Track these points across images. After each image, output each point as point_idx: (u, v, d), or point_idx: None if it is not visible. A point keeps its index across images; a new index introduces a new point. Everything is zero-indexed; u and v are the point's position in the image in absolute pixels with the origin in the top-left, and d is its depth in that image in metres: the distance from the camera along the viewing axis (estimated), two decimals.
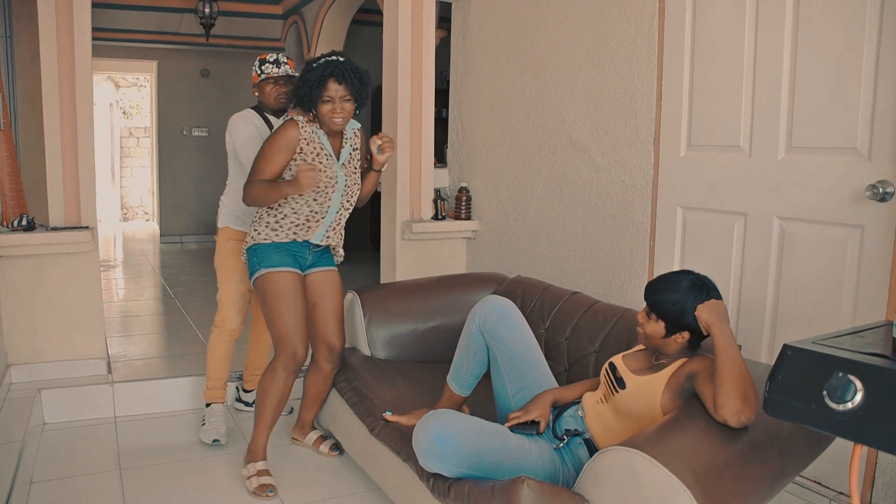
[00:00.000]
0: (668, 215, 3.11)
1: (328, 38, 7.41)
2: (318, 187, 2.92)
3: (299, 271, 3.00)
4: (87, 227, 3.78)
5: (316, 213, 2.97)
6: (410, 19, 4.46)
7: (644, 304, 2.26)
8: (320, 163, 2.92)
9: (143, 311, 5.86)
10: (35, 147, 4.69)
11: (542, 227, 3.93)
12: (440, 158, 5.09)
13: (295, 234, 2.95)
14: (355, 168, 3.06)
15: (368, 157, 3.11)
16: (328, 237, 3.04)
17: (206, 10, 7.03)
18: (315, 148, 2.92)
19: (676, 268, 3.06)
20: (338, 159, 2.99)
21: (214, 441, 3.34)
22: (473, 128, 4.57)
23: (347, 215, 3.11)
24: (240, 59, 8.98)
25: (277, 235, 2.94)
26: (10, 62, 5.13)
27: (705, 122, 2.96)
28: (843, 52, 2.46)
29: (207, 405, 3.48)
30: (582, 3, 3.55)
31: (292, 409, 3.72)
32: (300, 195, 2.91)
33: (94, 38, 3.87)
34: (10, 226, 3.74)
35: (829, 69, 2.51)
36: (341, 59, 2.89)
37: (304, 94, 2.87)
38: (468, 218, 4.57)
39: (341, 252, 3.17)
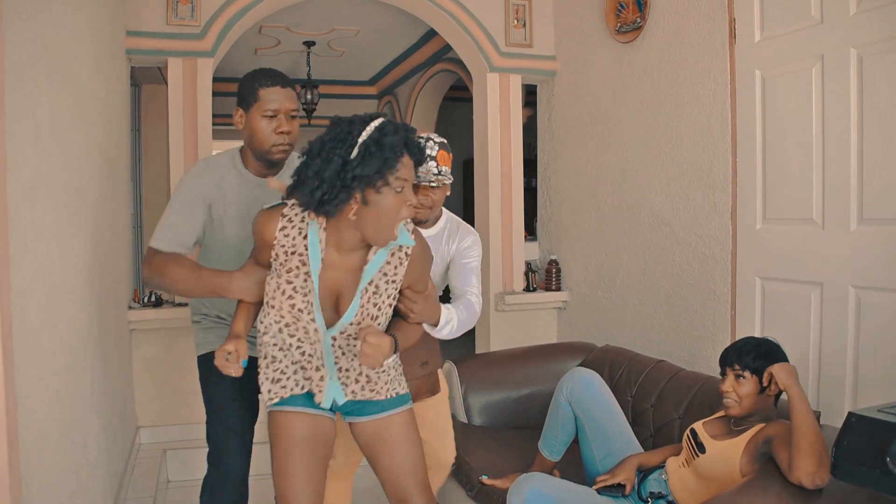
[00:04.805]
0: (748, 285, 3.25)
1: (420, 116, 7.80)
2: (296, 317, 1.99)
3: (322, 413, 2.09)
4: None
5: (310, 355, 2.05)
6: (498, 102, 4.77)
7: (723, 376, 2.36)
8: (292, 285, 1.96)
9: None
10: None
11: (629, 297, 4.10)
12: (530, 231, 5.32)
13: (297, 382, 2.08)
14: (379, 302, 2.01)
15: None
16: (353, 391, 2.08)
17: (308, 97, 7.53)
18: (294, 262, 1.95)
19: (756, 335, 3.17)
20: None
21: None
22: (561, 203, 4.80)
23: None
24: None
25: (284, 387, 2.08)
26: (138, 152, 5.70)
27: (779, 195, 3.11)
28: None
29: None
30: (658, 86, 3.78)
31: None
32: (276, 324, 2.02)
33: None
34: (140, 302, 4.16)
35: (895, 143, 2.65)
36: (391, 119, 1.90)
37: (352, 177, 1.80)
38: (558, 289, 4.76)
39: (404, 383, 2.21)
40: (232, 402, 2.44)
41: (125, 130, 4.18)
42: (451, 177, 2.38)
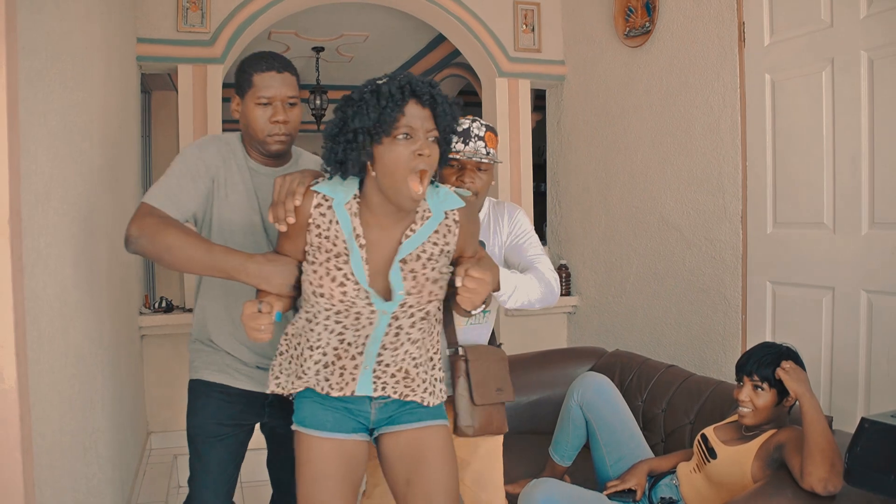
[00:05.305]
0: (758, 290, 3.24)
1: None
2: (345, 306, 1.80)
3: (355, 436, 1.89)
4: None
5: (349, 343, 1.85)
6: (507, 107, 4.77)
7: (740, 384, 2.34)
8: (334, 268, 1.78)
9: None
10: None
11: (639, 301, 4.09)
12: (539, 236, 5.30)
13: (328, 380, 1.87)
14: (429, 274, 1.83)
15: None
16: (385, 384, 1.87)
17: (318, 102, 7.55)
18: (330, 243, 1.80)
19: (768, 340, 3.16)
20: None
21: None
22: (570, 207, 4.80)
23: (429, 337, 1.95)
24: None
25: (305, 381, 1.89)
26: (149, 157, 5.74)
27: (789, 200, 3.10)
28: None
29: None
30: (668, 90, 3.78)
31: None
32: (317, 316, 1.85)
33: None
34: (151, 307, 4.18)
35: None
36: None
37: (352, 131, 1.70)
38: (568, 294, 4.76)
39: (440, 391, 1.97)
40: (208, 439, 2.18)
41: (136, 137, 4.20)
42: (499, 159, 2.27)
